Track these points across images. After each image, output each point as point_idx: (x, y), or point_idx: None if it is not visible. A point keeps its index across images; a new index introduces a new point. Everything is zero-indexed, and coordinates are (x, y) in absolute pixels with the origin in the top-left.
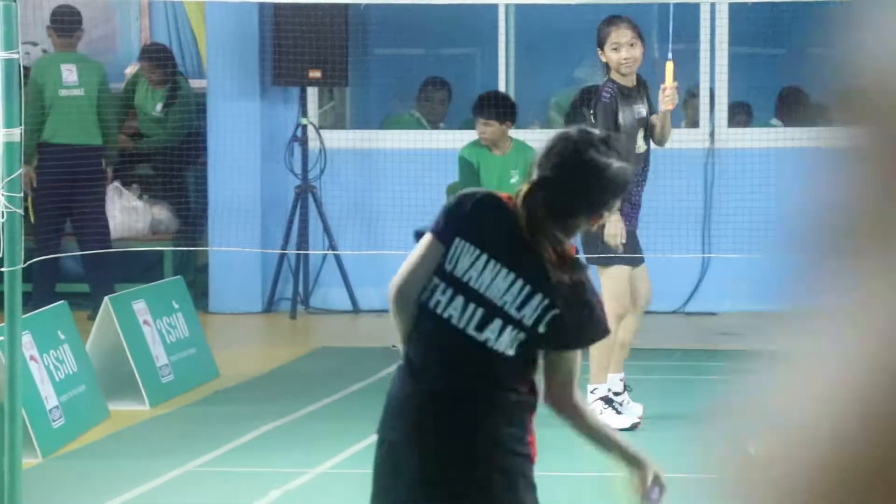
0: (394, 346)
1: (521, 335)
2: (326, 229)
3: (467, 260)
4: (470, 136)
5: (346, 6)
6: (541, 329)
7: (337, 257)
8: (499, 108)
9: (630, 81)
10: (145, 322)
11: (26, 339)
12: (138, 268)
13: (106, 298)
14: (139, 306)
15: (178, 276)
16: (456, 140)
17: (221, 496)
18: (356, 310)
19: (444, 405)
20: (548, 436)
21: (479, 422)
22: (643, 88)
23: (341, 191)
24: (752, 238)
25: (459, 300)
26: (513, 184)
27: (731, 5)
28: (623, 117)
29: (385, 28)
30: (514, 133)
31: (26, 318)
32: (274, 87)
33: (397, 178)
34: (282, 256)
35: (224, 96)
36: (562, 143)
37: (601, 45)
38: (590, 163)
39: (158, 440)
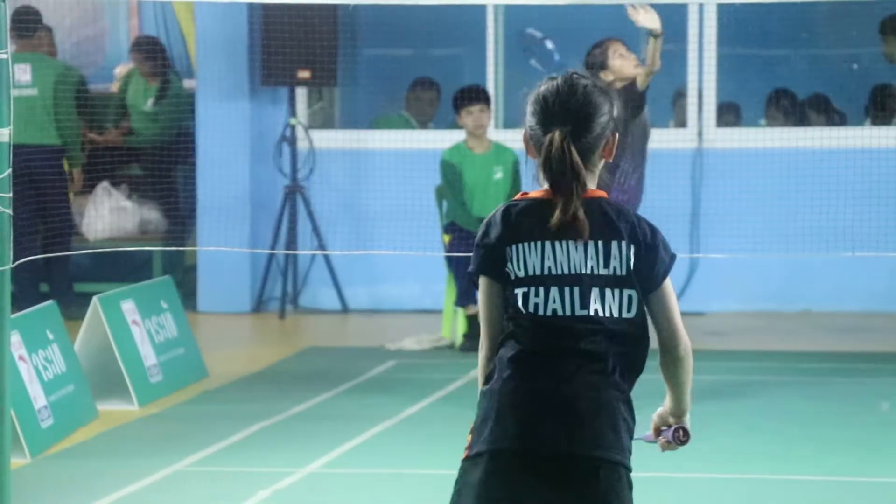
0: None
1: (626, 290)
2: (315, 229)
3: (534, 256)
4: (459, 135)
5: (335, 6)
6: (625, 270)
7: (326, 257)
8: (480, 94)
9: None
10: (134, 322)
11: (15, 338)
12: (127, 268)
13: (95, 298)
14: (128, 306)
15: (167, 276)
16: (445, 140)
17: (210, 496)
18: (345, 310)
19: (577, 388)
20: None
21: (605, 391)
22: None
23: (330, 191)
24: (739, 238)
25: (554, 291)
26: (496, 180)
27: (719, 6)
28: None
29: (374, 28)
30: (503, 133)
31: (15, 318)
32: (263, 88)
33: (386, 178)
34: (271, 256)
35: (213, 96)
36: (546, 85)
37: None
38: (578, 83)
39: (147, 440)
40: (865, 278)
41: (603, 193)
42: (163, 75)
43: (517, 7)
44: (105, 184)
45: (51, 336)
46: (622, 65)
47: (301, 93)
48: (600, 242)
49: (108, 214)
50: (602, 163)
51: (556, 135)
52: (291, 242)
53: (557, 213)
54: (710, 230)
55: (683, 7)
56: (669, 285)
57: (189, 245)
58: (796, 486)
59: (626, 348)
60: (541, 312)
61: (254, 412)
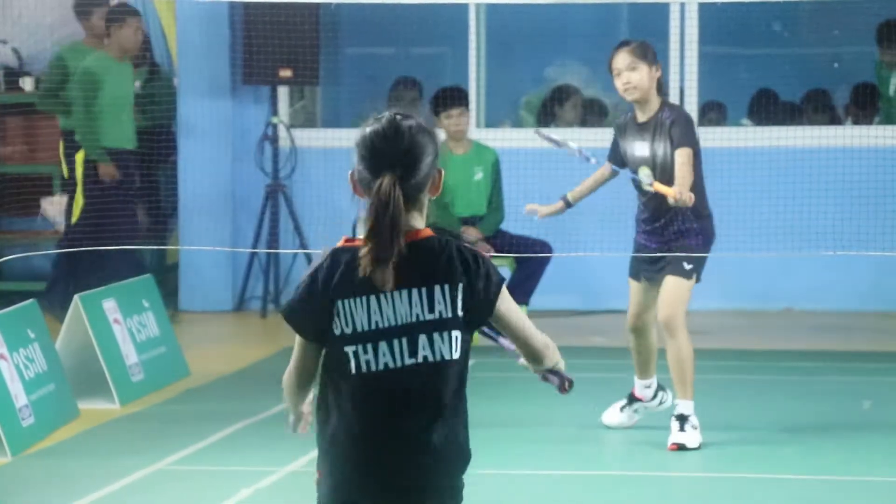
0: None
1: (453, 331)
2: (297, 228)
3: (361, 311)
4: (441, 134)
5: (318, 5)
6: (460, 312)
7: (307, 256)
8: (460, 97)
9: (643, 114)
10: (115, 321)
11: None
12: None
13: (76, 297)
14: (109, 305)
15: (149, 275)
16: None
17: (191, 495)
18: None
19: (408, 435)
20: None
21: (441, 432)
22: (658, 128)
23: (312, 189)
24: (721, 237)
25: (383, 345)
26: (477, 181)
27: (700, 5)
28: (623, 148)
29: (356, 27)
30: (485, 132)
31: None
32: (244, 86)
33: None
34: (252, 255)
35: (195, 95)
36: (371, 128)
37: (611, 73)
38: (402, 125)
39: (128, 439)
40: (847, 277)
41: (430, 232)
42: (150, 63)
43: (499, 6)
44: None
45: (32, 335)
46: (618, 86)
47: (283, 91)
48: (424, 289)
49: None
50: (429, 199)
51: (386, 179)
52: (273, 241)
53: (368, 260)
54: None
55: (665, 6)
56: (508, 302)
57: (171, 244)
58: (779, 484)
59: (457, 386)
60: (374, 369)
61: (235, 411)
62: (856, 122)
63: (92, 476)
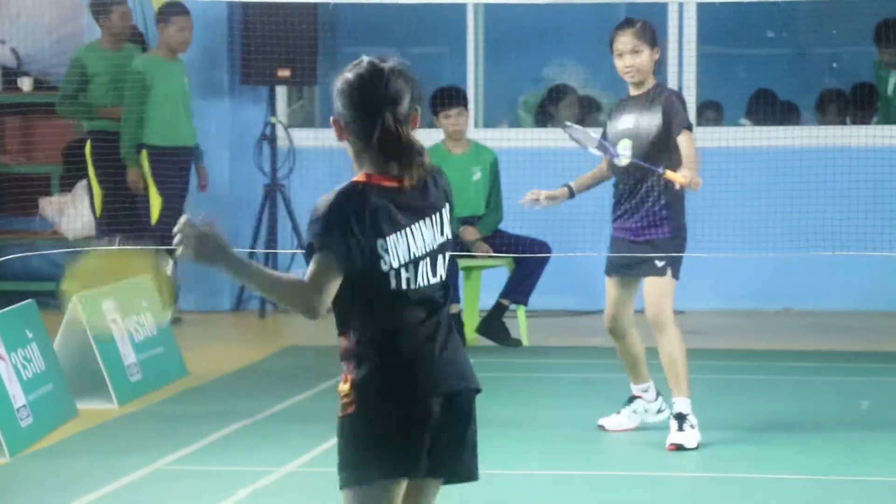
0: None
1: (447, 252)
2: (295, 228)
3: (402, 243)
4: (440, 134)
5: (316, 5)
6: (450, 231)
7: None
8: (458, 97)
9: (637, 90)
10: (113, 321)
11: None
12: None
13: (74, 297)
14: (107, 305)
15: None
16: (425, 139)
17: (189, 495)
18: None
19: (439, 335)
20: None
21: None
22: (647, 101)
23: (310, 189)
24: (719, 237)
25: (421, 268)
26: (475, 181)
27: (698, 4)
28: (611, 126)
29: (354, 27)
30: (483, 132)
31: None
32: (243, 86)
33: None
34: (250, 255)
35: (193, 95)
36: (353, 74)
37: (610, 49)
38: (384, 67)
39: (127, 439)
40: (846, 277)
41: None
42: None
43: (497, 6)
44: (84, 182)
45: (30, 335)
46: (619, 67)
47: (281, 91)
48: (435, 215)
49: (87, 213)
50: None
51: (389, 117)
52: (271, 241)
53: (411, 180)
54: (690, 228)
55: (663, 6)
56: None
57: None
58: (777, 484)
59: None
60: (414, 286)
61: (234, 411)
62: (854, 122)
63: (90, 476)
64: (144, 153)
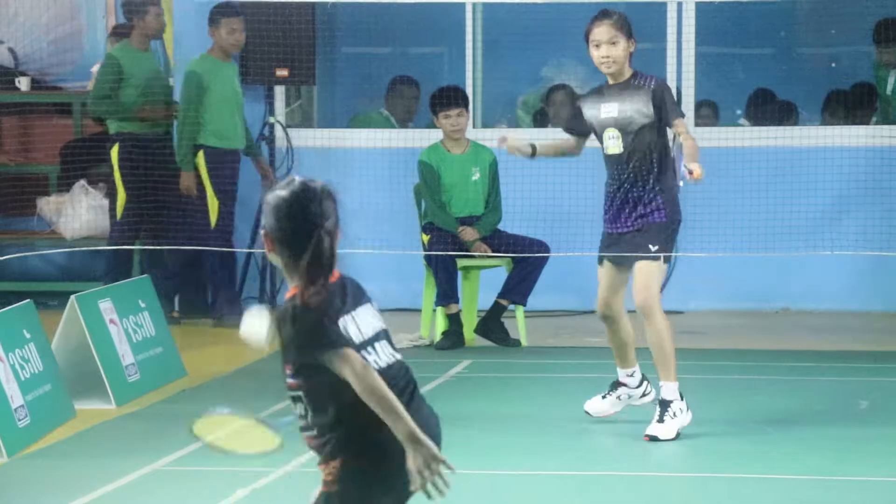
0: None
1: (390, 337)
2: None
3: (352, 326)
4: (439, 134)
5: (314, 5)
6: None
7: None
8: (458, 97)
9: (615, 80)
10: (111, 321)
11: None
12: (105, 267)
13: (72, 297)
14: (105, 305)
15: (145, 275)
16: (424, 139)
17: (188, 495)
18: None
19: (418, 407)
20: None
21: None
22: (627, 89)
23: None
24: (718, 237)
25: (378, 347)
26: (474, 181)
27: (697, 4)
28: (588, 115)
29: (353, 27)
30: (482, 132)
31: None
32: (241, 86)
33: (365, 176)
34: (249, 255)
35: None
36: (287, 193)
37: (586, 41)
38: (315, 190)
39: (125, 439)
40: (845, 277)
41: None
42: None
43: (496, 6)
44: (82, 182)
45: (28, 335)
46: (595, 57)
47: (279, 91)
48: (365, 306)
49: (85, 213)
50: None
51: (326, 237)
52: None
53: (317, 296)
54: (688, 229)
55: (662, 5)
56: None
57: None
58: (775, 484)
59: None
60: (380, 367)
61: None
62: (853, 122)
63: (88, 477)
64: (201, 155)
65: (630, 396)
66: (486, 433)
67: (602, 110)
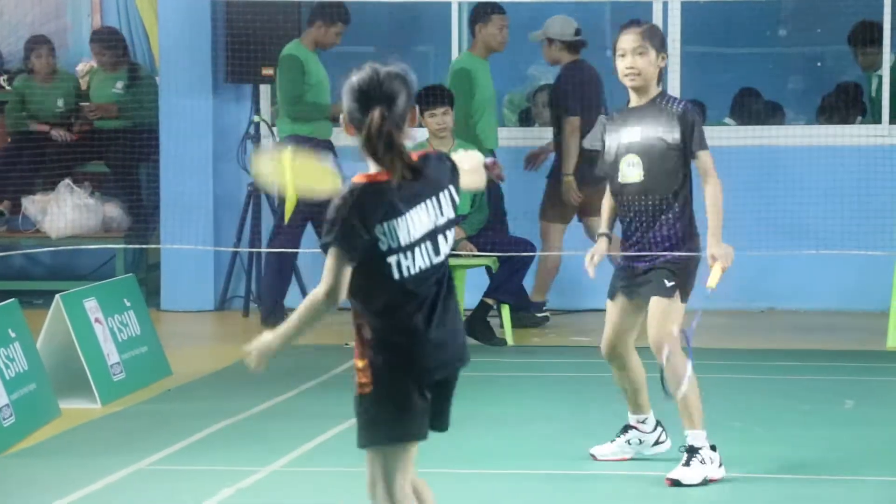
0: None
1: (451, 230)
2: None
3: (402, 228)
4: (424, 132)
5: (300, 3)
6: (456, 212)
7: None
8: (444, 96)
9: (639, 99)
10: (97, 320)
11: None
12: (90, 265)
13: (57, 296)
14: (90, 304)
15: (130, 274)
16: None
17: (173, 494)
18: None
19: (434, 317)
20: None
21: (454, 303)
22: (652, 114)
23: None
24: (702, 236)
25: (418, 251)
26: None
27: (683, 3)
28: (608, 142)
29: None
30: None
31: None
32: (227, 85)
33: (351, 175)
34: (235, 254)
35: (177, 93)
36: (356, 76)
37: (613, 52)
38: (380, 71)
39: (110, 438)
40: (830, 277)
41: (420, 152)
42: (128, 63)
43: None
44: (67, 181)
45: (13, 334)
46: (620, 68)
47: (265, 90)
48: (433, 198)
49: (70, 212)
50: (409, 129)
51: (376, 112)
52: (255, 240)
53: (396, 178)
54: None
55: (648, 5)
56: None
57: (152, 243)
58: (760, 483)
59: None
60: (413, 272)
61: (217, 410)
62: (840, 122)
63: (73, 476)
64: None
65: (641, 442)
66: (471, 433)
67: (623, 134)
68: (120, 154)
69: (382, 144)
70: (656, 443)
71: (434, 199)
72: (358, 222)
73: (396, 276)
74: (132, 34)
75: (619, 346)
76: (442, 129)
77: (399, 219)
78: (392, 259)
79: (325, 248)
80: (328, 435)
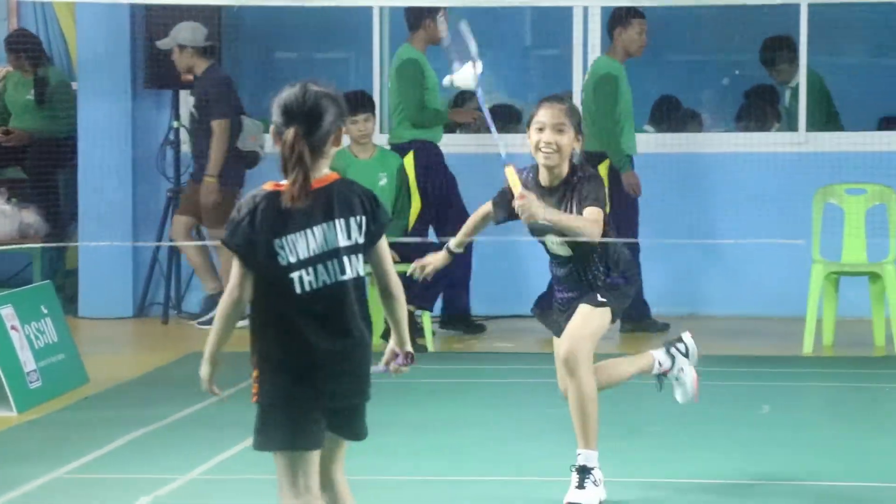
0: None
1: (360, 254)
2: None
3: (302, 243)
4: (345, 139)
5: (219, 8)
6: (362, 238)
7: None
8: (365, 102)
9: (551, 179)
10: (13, 327)
11: None
12: (6, 272)
13: None
14: (6, 311)
15: (47, 281)
16: None
17: (90, 503)
18: None
19: (345, 337)
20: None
21: (357, 326)
22: (568, 192)
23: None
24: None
25: (321, 267)
26: (381, 186)
27: (603, 10)
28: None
29: (258, 31)
30: (387, 137)
31: None
32: (146, 90)
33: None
34: (154, 261)
35: (95, 98)
36: (286, 92)
37: (528, 124)
38: (308, 91)
39: (26, 447)
40: (749, 282)
41: (337, 176)
42: (41, 66)
43: (402, 11)
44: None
45: None
46: (534, 140)
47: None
48: (343, 220)
49: (9, 211)
50: (334, 149)
51: (291, 131)
52: (174, 248)
53: (287, 197)
54: None
55: (568, 10)
56: (384, 240)
57: (70, 250)
58: (680, 487)
59: (363, 296)
60: (314, 287)
61: (134, 418)
62: (756, 129)
63: None
64: (607, 163)
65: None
66: (388, 438)
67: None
68: (37, 160)
69: (293, 163)
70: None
71: (342, 221)
72: (252, 227)
73: (298, 290)
74: (50, 39)
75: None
76: (363, 136)
77: (299, 233)
78: (294, 275)
79: (225, 245)
80: (246, 443)
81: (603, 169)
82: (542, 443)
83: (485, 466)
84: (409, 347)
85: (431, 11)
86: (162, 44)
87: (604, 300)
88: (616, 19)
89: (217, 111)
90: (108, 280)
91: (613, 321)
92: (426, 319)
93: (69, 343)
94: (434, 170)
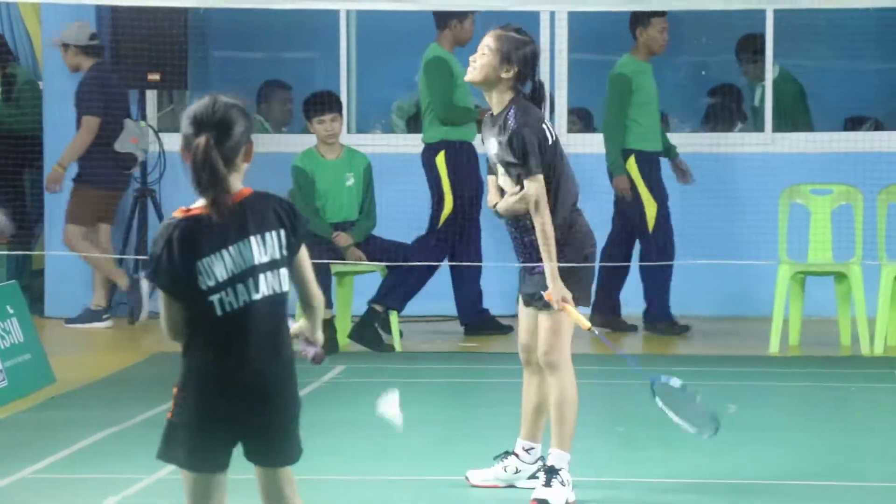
0: None
1: (282, 269)
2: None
3: (219, 265)
4: (312, 139)
5: (186, 9)
6: (284, 252)
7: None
8: (332, 102)
9: (494, 106)
10: None
11: None
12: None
13: None
14: None
15: (13, 281)
16: (298, 144)
17: (57, 503)
18: None
19: (263, 361)
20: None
21: (281, 343)
22: (501, 125)
23: (180, 195)
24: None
25: (241, 287)
26: (348, 186)
27: (570, 13)
28: (486, 149)
29: (225, 32)
30: (356, 137)
31: None
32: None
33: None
34: (121, 261)
35: (61, 98)
36: (196, 103)
37: None
38: (220, 100)
39: None
40: (715, 282)
41: (249, 190)
42: (7, 65)
43: (369, 12)
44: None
45: None
46: None
47: (151, 95)
48: (259, 236)
49: None
50: (245, 165)
51: (203, 139)
52: (141, 246)
53: (214, 213)
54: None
55: (535, 14)
56: (304, 251)
57: (36, 250)
58: (644, 486)
59: (285, 312)
60: (236, 307)
61: (101, 418)
62: (715, 130)
63: None
64: (632, 159)
65: (518, 472)
66: (358, 438)
67: (491, 145)
68: (3, 160)
69: (206, 174)
70: (531, 476)
71: (258, 237)
72: (171, 258)
73: (219, 311)
74: (15, 40)
75: (533, 350)
76: (330, 136)
77: (216, 255)
78: (214, 297)
79: (149, 281)
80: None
81: (631, 164)
82: (490, 442)
83: (430, 466)
84: (319, 341)
85: (457, 12)
86: (52, 42)
87: (550, 306)
88: (638, 18)
89: (87, 108)
90: (74, 280)
91: (578, 305)
92: (393, 319)
93: (35, 343)
94: (464, 170)
